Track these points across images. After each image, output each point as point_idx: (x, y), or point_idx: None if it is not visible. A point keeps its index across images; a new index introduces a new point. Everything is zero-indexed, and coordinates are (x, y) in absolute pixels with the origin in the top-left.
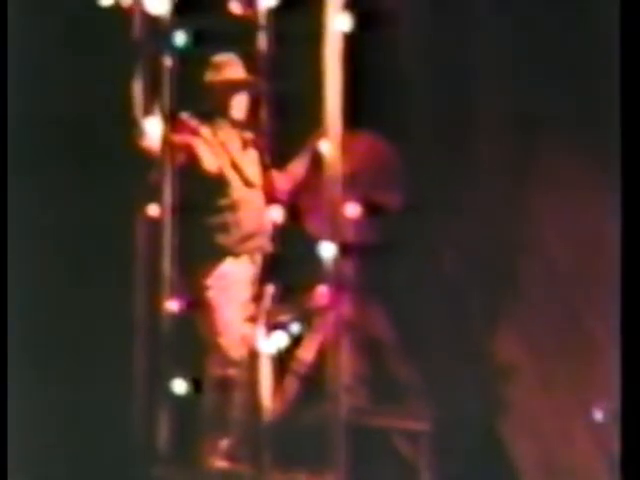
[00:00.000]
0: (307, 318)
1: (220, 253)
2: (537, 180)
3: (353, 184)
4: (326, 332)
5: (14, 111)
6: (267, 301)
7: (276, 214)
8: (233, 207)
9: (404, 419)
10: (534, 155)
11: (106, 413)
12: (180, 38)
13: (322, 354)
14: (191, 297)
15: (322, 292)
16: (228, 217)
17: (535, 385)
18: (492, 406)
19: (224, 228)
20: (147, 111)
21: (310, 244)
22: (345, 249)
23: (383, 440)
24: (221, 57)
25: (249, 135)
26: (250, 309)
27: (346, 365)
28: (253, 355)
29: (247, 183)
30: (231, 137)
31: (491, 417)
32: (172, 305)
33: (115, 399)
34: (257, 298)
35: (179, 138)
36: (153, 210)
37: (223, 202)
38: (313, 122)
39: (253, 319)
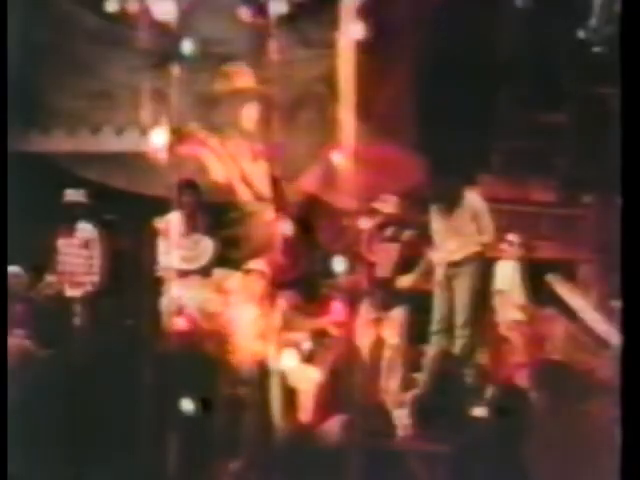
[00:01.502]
0: (319, 335)
1: (229, 267)
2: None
3: (367, 197)
4: (339, 349)
5: (15, 115)
6: (278, 317)
7: (287, 227)
8: (242, 220)
9: (422, 441)
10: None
11: (113, 433)
12: (188, 46)
13: (335, 372)
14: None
15: (335, 308)
16: (237, 230)
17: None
18: (512, 428)
19: (233, 241)
20: (154, 121)
21: (323, 258)
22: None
23: (400, 463)
24: (230, 66)
25: (259, 146)
26: (260, 326)
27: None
28: (264, 373)
29: (257, 195)
30: (241, 148)
31: (512, 439)
32: (180, 322)
33: (122, 418)
34: (268, 314)
35: (186, 149)
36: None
37: (232, 215)
38: (326, 133)
39: (263, 336)
